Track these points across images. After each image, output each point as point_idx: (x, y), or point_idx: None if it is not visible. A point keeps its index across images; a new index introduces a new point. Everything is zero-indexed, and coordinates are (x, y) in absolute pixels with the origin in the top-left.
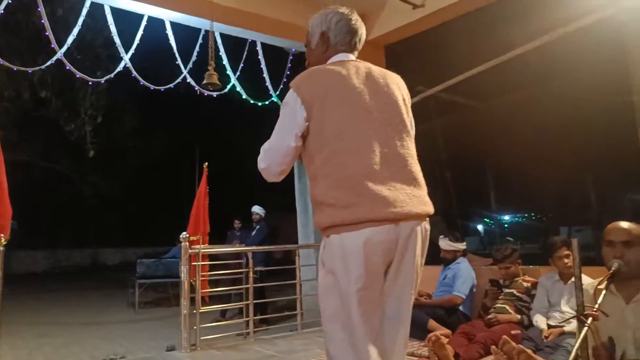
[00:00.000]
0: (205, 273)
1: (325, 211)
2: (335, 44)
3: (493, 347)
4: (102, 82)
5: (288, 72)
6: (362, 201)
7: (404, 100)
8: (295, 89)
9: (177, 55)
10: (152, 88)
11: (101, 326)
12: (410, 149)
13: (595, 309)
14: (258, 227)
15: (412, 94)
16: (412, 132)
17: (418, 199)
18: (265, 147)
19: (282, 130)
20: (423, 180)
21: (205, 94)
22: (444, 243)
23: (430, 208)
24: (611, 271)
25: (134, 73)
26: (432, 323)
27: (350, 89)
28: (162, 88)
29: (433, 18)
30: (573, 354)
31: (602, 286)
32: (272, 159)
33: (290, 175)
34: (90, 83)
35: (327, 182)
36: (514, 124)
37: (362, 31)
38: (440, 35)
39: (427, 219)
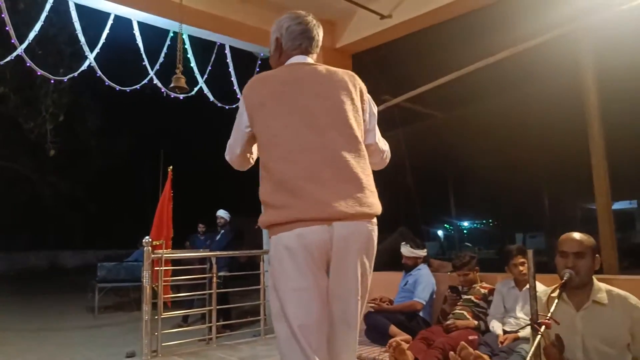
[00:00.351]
0: (168, 278)
1: (266, 211)
2: (287, 49)
3: (451, 352)
4: (65, 80)
5: None
6: (295, 202)
7: (352, 101)
8: (242, 96)
9: (144, 56)
10: (117, 89)
11: (59, 332)
12: (354, 151)
13: (547, 317)
14: (223, 231)
15: (378, 102)
16: (360, 133)
17: (356, 200)
18: (228, 143)
19: (234, 135)
20: (368, 182)
21: (172, 96)
22: (405, 250)
23: (370, 209)
24: (563, 281)
25: (99, 73)
26: (393, 328)
27: (291, 94)
28: (127, 89)
29: (400, 29)
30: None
31: (554, 294)
32: (230, 155)
33: (256, 178)
34: (52, 81)
35: (268, 184)
36: (474, 134)
37: (315, 34)
38: (407, 46)
39: (372, 220)
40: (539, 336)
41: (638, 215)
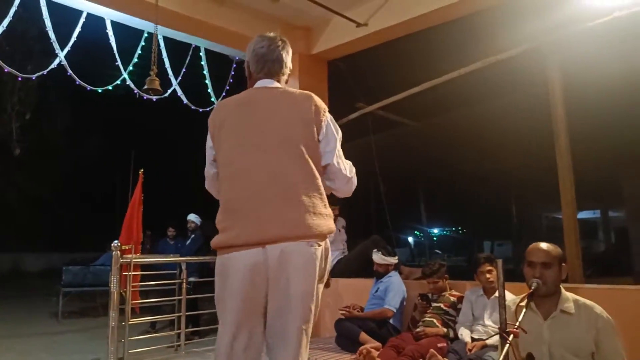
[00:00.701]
0: (137, 283)
1: (217, 233)
2: (254, 72)
3: None
4: (33, 78)
5: (231, 80)
6: (232, 225)
7: (305, 121)
8: (209, 121)
9: (117, 56)
10: (88, 89)
11: (21, 339)
12: (301, 171)
13: (516, 326)
14: (193, 236)
15: (352, 109)
16: (311, 153)
17: (292, 222)
18: (205, 171)
19: (206, 160)
20: (312, 202)
21: (145, 97)
22: (377, 257)
23: (309, 231)
24: (531, 290)
25: (69, 71)
26: (363, 336)
27: (242, 118)
28: (99, 89)
29: (375, 37)
30: None
31: (523, 304)
32: (207, 182)
33: None
34: (19, 79)
35: (220, 206)
36: (446, 143)
37: (276, 56)
38: (382, 55)
39: (313, 241)
40: (507, 345)
41: (601, 225)
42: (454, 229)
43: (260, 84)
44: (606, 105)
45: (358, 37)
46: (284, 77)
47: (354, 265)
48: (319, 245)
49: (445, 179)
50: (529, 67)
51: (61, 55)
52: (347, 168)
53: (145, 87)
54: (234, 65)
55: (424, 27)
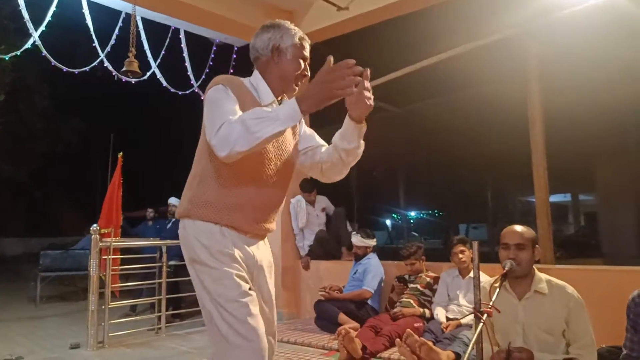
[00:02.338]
0: (117, 267)
1: None
2: None
3: (397, 339)
4: (7, 58)
5: (211, 63)
6: None
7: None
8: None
9: (94, 37)
10: (64, 70)
11: None
12: (195, 162)
13: (489, 306)
14: (174, 219)
15: None
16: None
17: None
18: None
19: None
20: (190, 182)
21: (124, 80)
22: (356, 239)
23: (180, 208)
24: (504, 271)
25: (44, 52)
26: (342, 316)
27: None
28: (76, 71)
29: (357, 21)
30: (470, 348)
31: (497, 284)
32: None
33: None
34: None
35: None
36: (425, 128)
37: (251, 42)
38: (363, 39)
39: (183, 218)
40: (481, 324)
41: (571, 208)
42: (431, 212)
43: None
44: (581, 93)
45: (339, 21)
46: (259, 63)
47: (328, 244)
48: (185, 223)
49: (424, 164)
50: (508, 56)
51: (35, 35)
52: (211, 127)
53: (124, 69)
54: (214, 48)
55: (404, 13)
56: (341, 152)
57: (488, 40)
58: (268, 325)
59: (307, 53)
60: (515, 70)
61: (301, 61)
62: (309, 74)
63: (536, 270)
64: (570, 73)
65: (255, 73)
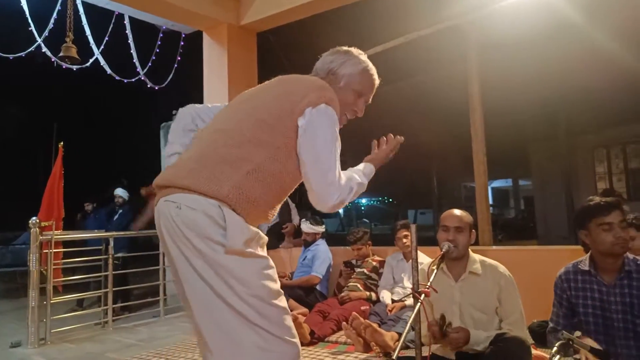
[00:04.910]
0: (59, 261)
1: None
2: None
3: (344, 323)
4: None
5: (157, 50)
6: None
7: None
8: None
9: (30, 20)
10: None
11: None
12: (247, 142)
13: (427, 286)
14: (121, 211)
15: None
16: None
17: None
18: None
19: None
20: (237, 164)
21: (64, 67)
22: (306, 226)
23: (186, 181)
24: (442, 252)
25: None
26: (291, 302)
27: None
28: (10, 56)
29: (304, 9)
30: (407, 326)
31: (434, 266)
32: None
33: (158, 155)
34: None
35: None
36: (372, 115)
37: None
38: (309, 28)
39: (220, 202)
40: (419, 304)
41: (512, 193)
42: (380, 199)
43: None
44: (517, 82)
45: (286, 9)
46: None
47: (276, 228)
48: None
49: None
50: (449, 45)
51: None
52: (325, 167)
53: (61, 54)
54: (161, 35)
55: (350, 2)
56: None
57: (430, 30)
58: None
59: (366, 90)
60: (456, 60)
61: (353, 95)
62: (361, 114)
63: (470, 252)
64: (507, 62)
65: None
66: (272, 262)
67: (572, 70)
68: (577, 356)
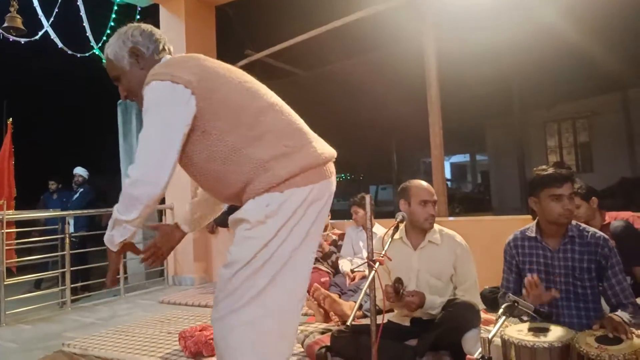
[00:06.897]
0: (11, 241)
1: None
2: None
3: (305, 294)
4: None
5: (112, 24)
6: (307, 142)
7: None
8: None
9: None
10: None
11: None
12: None
13: (382, 255)
14: (81, 190)
15: (241, 57)
16: None
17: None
18: None
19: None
20: None
21: (11, 40)
22: None
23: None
24: (396, 222)
25: None
26: None
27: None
28: None
29: None
30: (362, 293)
31: (386, 237)
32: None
33: (116, 135)
34: None
35: (277, 134)
36: (333, 92)
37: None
38: (268, 3)
39: None
40: (373, 271)
41: (470, 168)
42: (342, 175)
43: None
44: (473, 58)
45: None
46: None
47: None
48: None
49: (334, 127)
50: (406, 21)
51: None
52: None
53: (5, 25)
54: (115, 8)
55: None
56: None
57: (387, 5)
58: None
59: None
60: (413, 35)
61: None
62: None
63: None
64: (463, 38)
65: None
66: None
67: (525, 46)
68: (524, 317)
